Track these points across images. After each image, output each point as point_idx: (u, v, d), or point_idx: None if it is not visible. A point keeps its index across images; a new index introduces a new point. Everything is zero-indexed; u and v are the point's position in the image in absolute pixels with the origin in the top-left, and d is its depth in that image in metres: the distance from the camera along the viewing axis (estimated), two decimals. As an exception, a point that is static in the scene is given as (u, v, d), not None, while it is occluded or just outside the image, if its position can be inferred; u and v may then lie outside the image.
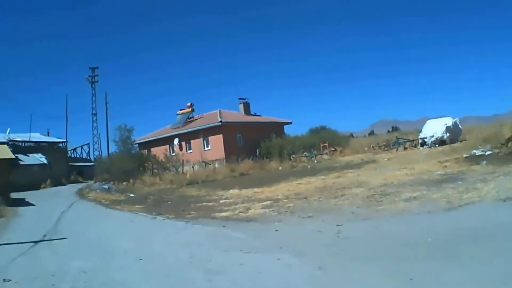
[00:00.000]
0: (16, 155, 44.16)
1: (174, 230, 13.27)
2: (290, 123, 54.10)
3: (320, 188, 19.30)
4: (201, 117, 50.29)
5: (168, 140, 49.38)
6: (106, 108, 56.71)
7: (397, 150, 38.63)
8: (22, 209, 23.31)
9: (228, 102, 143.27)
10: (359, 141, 52.19)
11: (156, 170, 44.06)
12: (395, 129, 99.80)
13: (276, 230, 11.08)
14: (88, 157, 69.83)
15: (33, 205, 26.19)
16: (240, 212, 15.06)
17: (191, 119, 50.77)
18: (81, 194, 32.19)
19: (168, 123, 55.73)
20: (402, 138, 42.67)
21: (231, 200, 19.17)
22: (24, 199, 29.86)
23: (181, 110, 52.91)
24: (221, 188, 25.68)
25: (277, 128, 49.37)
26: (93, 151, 60.95)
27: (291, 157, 40.87)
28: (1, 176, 38.67)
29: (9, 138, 48.31)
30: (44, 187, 43.14)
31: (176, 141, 48.58)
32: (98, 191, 34.14)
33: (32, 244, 12.01)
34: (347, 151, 42.06)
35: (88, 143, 70.49)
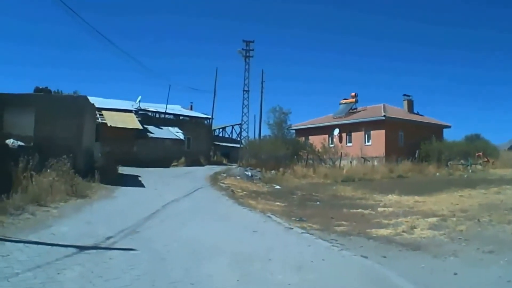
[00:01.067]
0: (147, 126, 43.33)
1: (312, 255, 9.60)
2: (450, 126, 55.09)
3: (485, 205, 17.84)
4: (364, 109, 51.73)
5: (327, 130, 50.72)
6: (262, 86, 53.41)
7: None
8: (122, 189, 20.56)
9: (390, 98, 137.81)
10: (507, 154, 53.08)
11: (310, 161, 43.10)
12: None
13: (455, 274, 8.63)
14: (239, 138, 68.51)
15: (141, 186, 23.53)
16: (403, 231, 12.90)
17: (354, 110, 52.18)
18: (214, 178, 29.46)
19: (326, 112, 57.84)
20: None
21: (390, 210, 17.71)
22: (138, 176, 27.79)
23: (344, 99, 54.06)
24: (378, 191, 24.87)
25: (436, 130, 50.70)
26: (242, 132, 58.58)
27: (448, 164, 42.29)
28: (120, 147, 37.98)
29: (139, 106, 47.61)
30: (176, 165, 41.84)
31: (336, 131, 49.70)
32: (238, 177, 31.26)
33: (74, 250, 8.52)
34: (497, 164, 42.58)
35: (241, 123, 69.61)
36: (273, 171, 36.91)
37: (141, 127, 41.14)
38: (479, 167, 40.67)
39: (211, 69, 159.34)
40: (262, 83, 53.54)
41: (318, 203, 20.67)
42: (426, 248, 10.66)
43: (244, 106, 48.98)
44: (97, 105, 44.00)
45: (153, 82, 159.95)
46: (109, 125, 39.18)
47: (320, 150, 45.10)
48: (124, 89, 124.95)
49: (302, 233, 11.95)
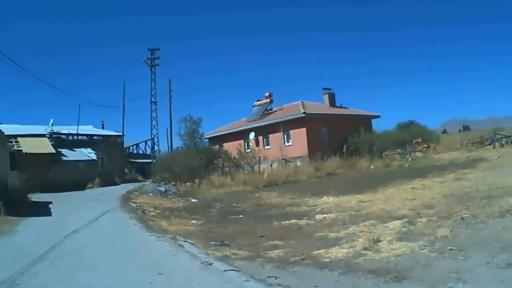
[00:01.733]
0: (60, 149, 39.51)
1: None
2: (379, 116, 51.48)
3: (451, 197, 14.45)
4: (281, 109, 47.51)
5: (242, 135, 46.87)
6: (170, 96, 49.68)
7: (494, 147, 36.02)
8: (27, 221, 17.16)
9: (309, 95, 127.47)
10: (447, 138, 51.44)
11: (227, 168, 39.72)
12: (466, 128, 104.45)
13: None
14: (153, 153, 65.24)
15: (49, 215, 20.06)
16: (364, 248, 8.86)
17: (270, 111, 48.19)
18: (126, 198, 26.12)
19: (241, 116, 54.58)
20: (498, 134, 39.32)
21: (332, 216, 13.93)
22: (49, 203, 24.24)
23: (258, 101, 50.15)
24: (310, 194, 21.39)
25: (364, 122, 46.45)
26: (152, 150, 54.62)
27: (383, 155, 38.90)
28: (37, 174, 34.04)
29: (52, 130, 43.23)
30: (91, 187, 38.08)
31: (252, 135, 45.76)
32: (151, 194, 28.28)
33: None
34: (440, 148, 39.94)
35: (153, 138, 66.58)
36: (188, 184, 34.03)
37: (54, 151, 37.17)
38: (419, 154, 38.06)
39: (120, 83, 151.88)
40: (170, 92, 49.30)
41: (241, 216, 17.41)
42: (413, 274, 6.74)
43: (152, 118, 45.17)
44: (12, 132, 39.58)
45: (65, 103, 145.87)
46: (24, 151, 35.09)
47: (236, 156, 41.48)
48: (39, 113, 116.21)
49: (225, 270, 7.87)
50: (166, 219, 17.72)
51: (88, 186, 37.99)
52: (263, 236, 11.58)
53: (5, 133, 38.03)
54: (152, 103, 45.46)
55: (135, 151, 66.01)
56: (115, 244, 11.92)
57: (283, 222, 13.69)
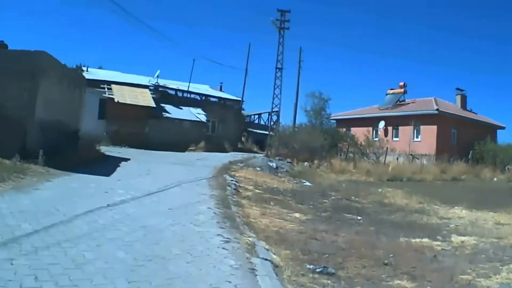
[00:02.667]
0: (164, 105, 35.55)
1: None
2: (504, 128, 48.05)
3: None
4: (413, 102, 45.45)
5: (372, 122, 44.58)
6: (299, 66, 43.94)
7: None
8: (67, 178, 13.15)
9: (439, 93, 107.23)
10: None
11: (351, 154, 36.20)
12: None
13: None
14: (272, 125, 60.46)
15: (107, 175, 15.16)
16: None
17: (402, 102, 46.05)
18: (225, 168, 21.63)
19: (370, 103, 51.22)
20: None
21: (472, 241, 10.50)
22: (123, 160, 20.51)
23: (391, 89, 47.49)
24: (438, 199, 18.45)
25: (490, 130, 43.82)
26: (270, 122, 49.09)
27: (506, 168, 36.50)
28: (130, 127, 30.62)
29: (157, 82, 39.73)
30: (193, 150, 34.12)
31: (382, 124, 43.28)
32: (258, 169, 23.33)
33: None
34: None
35: (278, 110, 61.84)
36: (305, 163, 29.79)
37: (153, 105, 33.27)
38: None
39: (240, 43, 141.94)
40: (299, 62, 43.87)
41: (359, 218, 13.16)
42: None
43: (276, 86, 39.14)
44: (107, 78, 36.55)
45: (174, 57, 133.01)
46: (116, 100, 31.55)
47: (363, 143, 37.88)
48: (142, 62, 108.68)
49: None
50: (262, 204, 12.88)
51: (190, 148, 34.08)
52: (386, 264, 7.93)
53: (99, 78, 36.25)
54: (278, 70, 39.41)
55: (256, 121, 61.59)
56: (150, 247, 6.70)
57: (413, 241, 10.25)
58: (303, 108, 46.10)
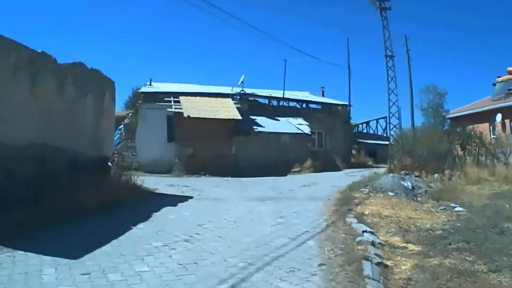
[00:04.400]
0: (254, 117, 27.88)
1: None
2: None
3: None
4: None
5: (487, 116, 34.28)
6: (408, 56, 32.65)
7: None
8: None
9: None
10: None
11: (482, 157, 26.51)
12: None
13: None
14: (385, 134, 50.91)
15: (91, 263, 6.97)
16: None
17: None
18: (346, 200, 13.12)
19: (484, 93, 40.33)
20: None
21: None
22: (185, 199, 13.64)
23: (499, 77, 36.62)
24: None
25: None
26: (389, 126, 37.33)
27: None
28: (211, 148, 23.89)
29: (242, 90, 31.77)
30: (297, 171, 26.35)
31: (498, 117, 32.82)
32: (390, 193, 14.57)
33: None
34: None
35: (386, 116, 51.99)
36: (436, 175, 21.51)
37: (239, 117, 25.37)
38: None
39: (334, 39, 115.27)
40: (407, 52, 32.83)
41: None
42: None
43: (389, 79, 28.87)
44: (177, 90, 29.27)
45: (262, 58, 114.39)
46: (186, 115, 24.16)
47: (492, 141, 28.07)
48: (229, 68, 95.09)
49: None
50: None
51: (294, 170, 26.07)
52: None
53: (166, 90, 28.66)
54: (388, 58, 29.47)
55: (364, 130, 52.43)
56: None
57: None
58: (418, 107, 35.90)
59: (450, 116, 38.27)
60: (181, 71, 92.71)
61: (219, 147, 24.49)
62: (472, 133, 28.48)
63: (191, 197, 13.86)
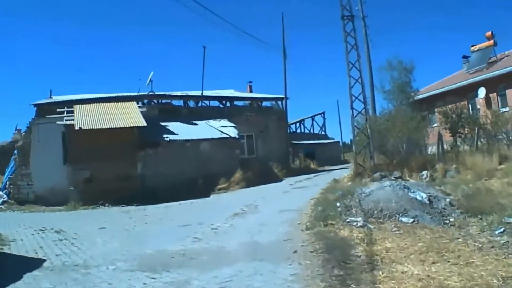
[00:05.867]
0: (167, 123, 21.25)
1: None
2: None
3: None
4: (507, 56, 30.28)
5: (462, 93, 28.18)
6: (364, 24, 24.38)
7: None
8: None
9: None
10: None
11: (482, 140, 20.17)
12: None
13: None
14: (323, 132, 45.63)
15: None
16: None
17: (493, 58, 30.54)
18: (330, 253, 6.52)
19: (450, 70, 37.60)
20: None
21: None
22: None
23: (472, 46, 32.62)
24: None
25: None
26: (352, 112, 27.85)
27: None
28: (111, 168, 17.99)
29: (151, 91, 25.03)
30: (225, 188, 19.66)
31: (481, 92, 27.66)
32: (405, 219, 8.42)
33: None
34: None
35: (323, 112, 46.58)
36: (424, 173, 15.62)
37: (143, 124, 18.29)
38: None
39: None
40: (363, 19, 24.93)
41: None
42: None
43: (349, 48, 19.79)
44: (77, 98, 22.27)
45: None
46: (77, 127, 17.30)
47: (490, 120, 20.83)
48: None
49: None
50: None
51: (220, 187, 19.29)
52: None
53: (61, 100, 22.47)
54: (346, 20, 18.50)
55: (298, 130, 46.26)
56: None
57: None
58: (377, 89, 28.21)
59: (420, 96, 31.44)
60: (87, 82, 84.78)
61: (122, 167, 17.66)
62: (463, 111, 22.53)
63: (38, 266, 7.18)
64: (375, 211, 8.65)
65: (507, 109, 24.85)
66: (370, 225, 7.86)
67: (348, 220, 8.34)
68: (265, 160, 24.50)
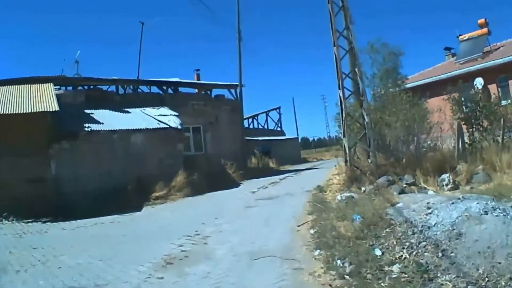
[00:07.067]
0: (93, 110, 16.96)
1: None
2: None
3: None
4: (503, 46, 27.62)
5: (454, 84, 22.75)
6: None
7: None
8: None
9: None
10: None
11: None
12: None
13: None
14: (279, 128, 42.69)
15: None
16: None
17: (487, 48, 28.06)
18: None
19: (435, 60, 37.57)
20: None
21: None
22: None
23: (460, 35, 29.83)
24: None
25: None
26: (343, 93, 22.94)
27: None
28: (14, 168, 13.48)
29: (77, 74, 20.99)
30: (163, 197, 14.77)
31: (479, 82, 24.56)
32: None
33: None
34: None
35: (279, 107, 43.78)
36: (445, 176, 10.75)
37: (55, 108, 13.38)
38: None
39: None
40: None
41: None
42: None
43: (336, 9, 13.87)
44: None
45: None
46: None
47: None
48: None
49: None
50: None
51: (156, 195, 14.52)
52: None
53: None
54: None
55: (251, 126, 41.84)
56: None
57: None
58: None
59: (411, 85, 28.22)
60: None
61: (31, 166, 13.27)
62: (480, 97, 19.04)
63: None
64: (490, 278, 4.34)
65: (509, 101, 23.03)
66: None
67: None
68: (216, 158, 20.36)
